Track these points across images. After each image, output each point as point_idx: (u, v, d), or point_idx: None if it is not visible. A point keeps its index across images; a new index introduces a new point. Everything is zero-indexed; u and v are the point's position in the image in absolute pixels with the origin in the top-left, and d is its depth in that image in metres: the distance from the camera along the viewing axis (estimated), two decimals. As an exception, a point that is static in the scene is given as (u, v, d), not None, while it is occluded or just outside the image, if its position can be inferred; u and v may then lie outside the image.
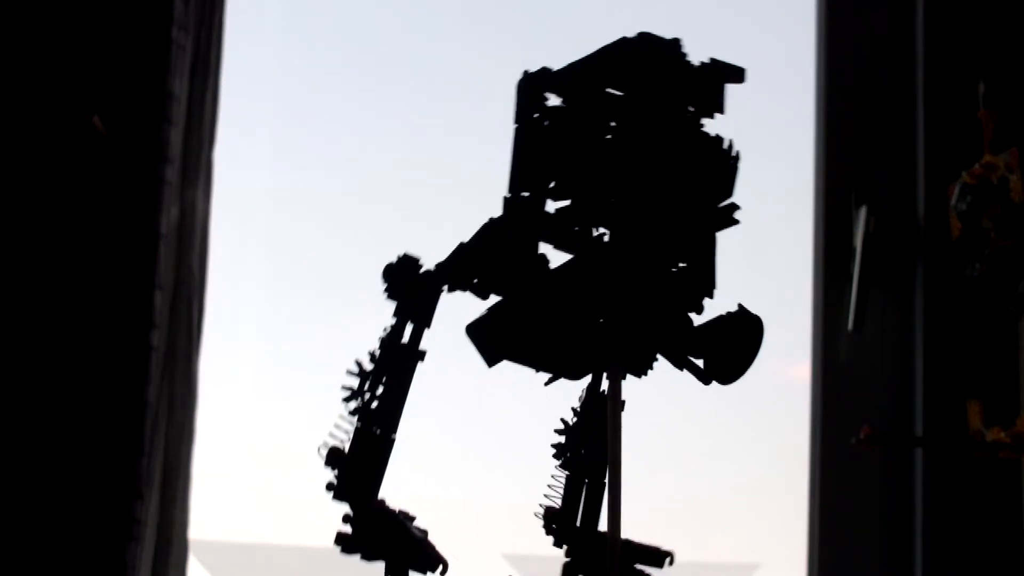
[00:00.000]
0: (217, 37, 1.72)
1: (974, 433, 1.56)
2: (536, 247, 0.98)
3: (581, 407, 1.02)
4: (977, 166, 1.59)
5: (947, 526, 1.68)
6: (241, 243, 1.94)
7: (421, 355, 1.00)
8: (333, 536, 0.99)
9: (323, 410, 1.91)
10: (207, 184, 1.71)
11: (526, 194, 0.98)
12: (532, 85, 0.98)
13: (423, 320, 1.00)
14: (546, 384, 1.01)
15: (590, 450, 1.02)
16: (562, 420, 1.02)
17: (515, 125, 0.99)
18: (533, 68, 0.99)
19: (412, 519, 1.02)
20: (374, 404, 0.99)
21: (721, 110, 0.98)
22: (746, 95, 1.00)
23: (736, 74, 0.98)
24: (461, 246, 0.99)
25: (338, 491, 0.99)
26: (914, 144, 1.79)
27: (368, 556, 1.00)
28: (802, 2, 1.88)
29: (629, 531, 1.05)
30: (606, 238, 0.98)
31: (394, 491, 1.07)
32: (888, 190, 1.78)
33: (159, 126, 1.61)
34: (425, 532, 1.01)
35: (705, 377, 0.98)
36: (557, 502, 1.03)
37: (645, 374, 1.00)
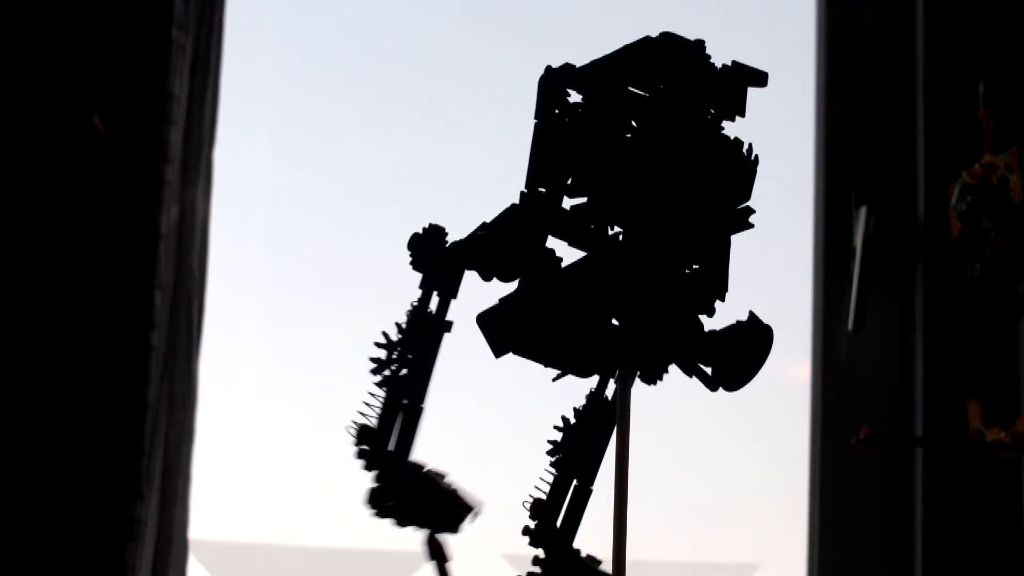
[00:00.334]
0: (217, 37, 1.72)
1: (974, 433, 1.56)
2: (545, 241, 0.98)
3: (584, 408, 1.02)
4: (977, 166, 1.59)
5: (947, 526, 1.68)
6: (241, 243, 1.94)
7: (448, 325, 1.00)
8: (365, 496, 0.99)
9: (323, 410, 1.92)
10: (207, 184, 1.71)
11: (542, 189, 0.98)
12: (554, 80, 0.98)
13: (449, 291, 1.00)
14: (554, 380, 1.01)
15: (584, 453, 1.01)
16: (563, 418, 1.02)
17: (535, 120, 0.99)
18: (555, 64, 0.99)
19: (443, 476, 1.02)
20: (402, 374, 0.99)
21: (743, 113, 0.98)
22: (747, 95, 1.00)
23: (759, 78, 0.98)
24: (484, 225, 0.99)
25: (368, 461, 0.99)
26: (914, 144, 1.79)
27: (402, 520, 0.99)
28: (802, 2, 1.88)
29: (630, 531, 1.05)
30: (621, 237, 0.98)
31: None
32: (888, 190, 1.78)
33: (159, 126, 1.61)
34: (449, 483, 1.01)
35: (713, 384, 0.98)
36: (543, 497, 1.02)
37: (656, 382, 0.99)
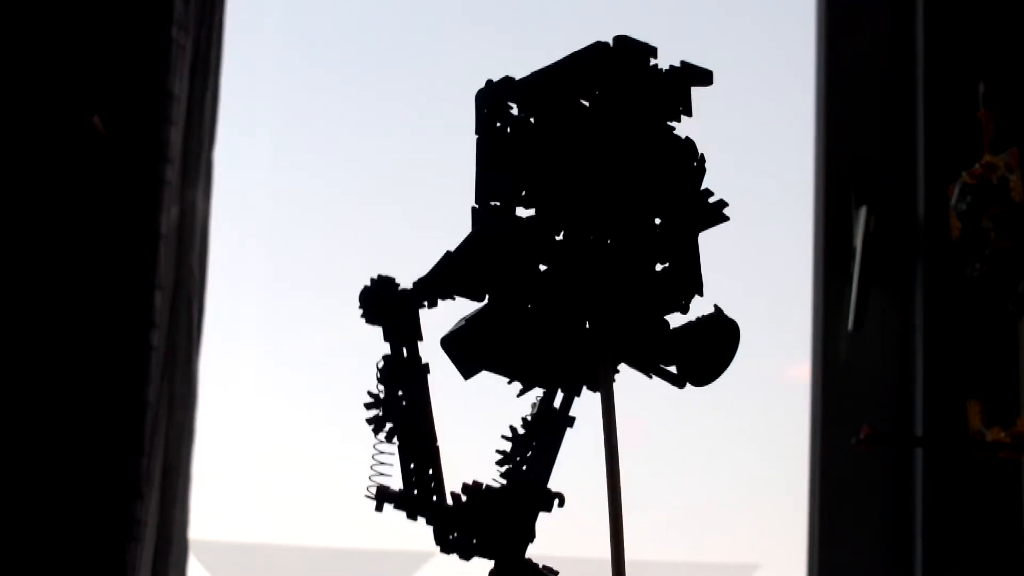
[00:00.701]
0: (217, 37, 1.72)
1: (974, 433, 1.56)
2: (529, 257, 0.97)
3: (533, 418, 1.01)
4: (977, 166, 1.59)
5: (947, 526, 1.68)
6: (241, 243, 1.94)
7: (426, 367, 0.99)
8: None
9: (322, 410, 1.92)
10: (207, 184, 1.71)
11: (495, 203, 0.98)
12: (493, 95, 0.98)
13: (412, 336, 0.99)
14: (519, 395, 1.01)
15: (533, 464, 1.00)
16: (511, 428, 1.01)
17: (476, 135, 0.99)
18: (517, 72, 0.99)
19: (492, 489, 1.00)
20: (403, 423, 0.98)
21: (689, 112, 0.98)
22: (746, 95, 1.00)
23: (703, 77, 0.98)
24: (448, 254, 0.98)
25: (408, 510, 0.98)
26: (914, 144, 1.79)
27: (466, 552, 0.98)
28: (802, 2, 1.88)
29: (630, 531, 1.05)
30: (580, 244, 0.98)
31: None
32: (888, 190, 1.78)
33: (159, 126, 1.61)
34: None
35: (679, 382, 0.98)
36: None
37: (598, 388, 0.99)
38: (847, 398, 1.75)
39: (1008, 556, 1.67)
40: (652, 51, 0.97)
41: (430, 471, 0.98)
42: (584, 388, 1.00)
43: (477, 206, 0.98)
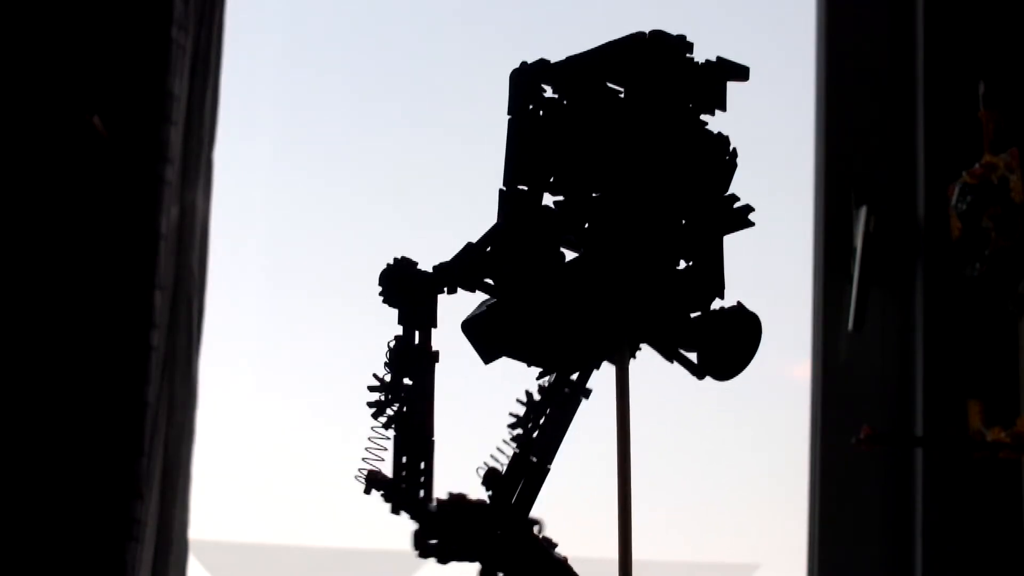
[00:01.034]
0: (217, 37, 1.72)
1: (974, 433, 1.56)
2: (556, 245, 0.97)
3: (549, 386, 1.00)
4: (977, 166, 1.59)
5: (947, 526, 1.68)
6: (241, 243, 1.94)
7: (435, 356, 0.99)
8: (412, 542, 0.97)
9: (323, 410, 1.92)
10: (207, 184, 1.71)
11: (523, 188, 0.98)
12: (528, 76, 0.97)
13: (428, 322, 0.99)
14: (538, 379, 1.00)
15: (545, 431, 1.00)
16: (527, 393, 1.00)
17: (508, 116, 0.98)
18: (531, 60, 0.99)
19: (484, 503, 1.00)
20: (404, 412, 0.98)
21: (723, 107, 0.98)
22: (746, 95, 1.00)
23: (740, 72, 0.98)
24: (470, 245, 0.98)
25: (393, 504, 0.98)
26: (914, 144, 1.79)
27: (444, 557, 0.98)
28: (802, 2, 1.88)
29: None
30: (608, 235, 0.97)
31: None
32: (888, 190, 1.78)
33: (159, 126, 1.61)
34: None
35: (699, 372, 0.98)
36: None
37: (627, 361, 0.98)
38: (847, 398, 1.75)
39: (1008, 556, 1.66)
40: (689, 46, 0.97)
41: (422, 465, 0.98)
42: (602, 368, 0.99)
43: (505, 189, 0.98)
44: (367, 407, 0.98)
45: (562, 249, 0.98)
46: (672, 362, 0.98)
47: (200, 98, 1.70)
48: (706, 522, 1.91)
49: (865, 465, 1.73)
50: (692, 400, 1.79)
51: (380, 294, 0.99)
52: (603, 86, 0.97)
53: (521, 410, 0.99)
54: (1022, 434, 1.53)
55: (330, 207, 2.00)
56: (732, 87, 1.00)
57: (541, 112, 0.97)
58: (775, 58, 1.93)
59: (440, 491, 0.98)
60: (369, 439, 0.98)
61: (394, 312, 1.00)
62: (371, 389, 0.98)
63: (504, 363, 1.01)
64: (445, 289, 0.99)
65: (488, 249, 0.97)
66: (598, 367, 1.00)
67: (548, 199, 1.00)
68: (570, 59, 0.97)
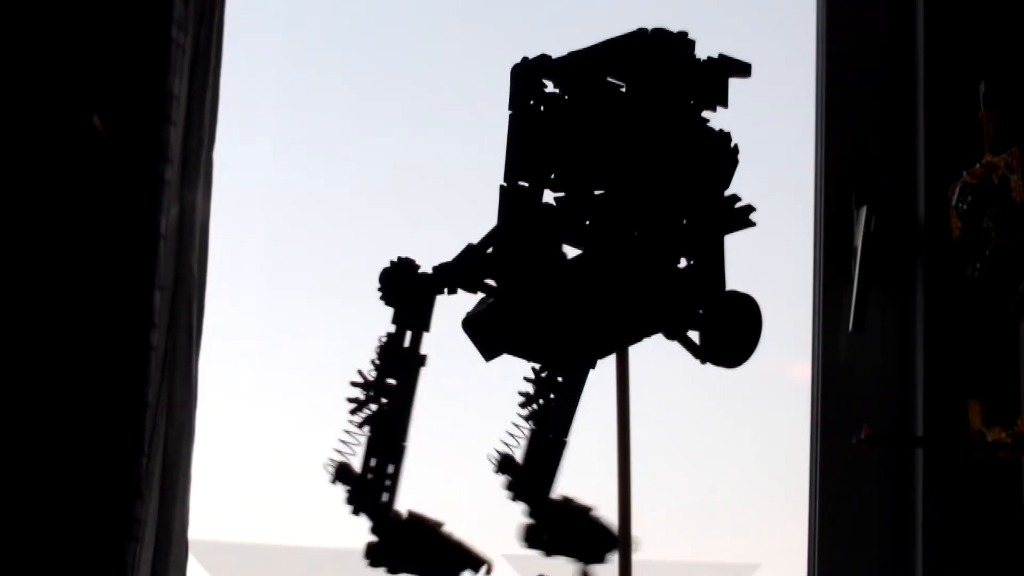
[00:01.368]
0: (217, 37, 1.72)
1: (974, 433, 1.56)
2: (558, 244, 0.97)
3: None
4: (978, 166, 1.59)
5: (947, 526, 1.68)
6: (241, 243, 1.94)
7: (423, 360, 0.99)
8: (363, 549, 0.98)
9: (323, 410, 1.92)
10: (207, 184, 1.71)
11: (524, 184, 0.98)
12: (530, 71, 0.97)
13: (422, 324, 0.99)
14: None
15: (557, 404, 0.99)
16: (533, 369, 1.00)
17: (510, 111, 0.98)
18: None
19: (440, 524, 1.00)
20: (382, 413, 0.98)
21: (724, 103, 0.98)
22: (747, 95, 1.00)
23: (742, 68, 0.98)
24: (471, 246, 0.98)
25: (354, 504, 0.98)
26: (914, 144, 1.78)
27: (394, 568, 0.98)
28: (802, 2, 1.88)
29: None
30: (611, 233, 0.97)
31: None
32: (888, 190, 1.78)
33: (159, 126, 1.61)
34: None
35: (702, 355, 0.98)
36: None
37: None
38: (847, 398, 1.75)
39: (1008, 556, 1.66)
40: (691, 44, 0.97)
41: (389, 469, 0.98)
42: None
43: (505, 184, 0.98)
44: (347, 402, 0.98)
45: (564, 246, 0.98)
46: (673, 339, 0.98)
47: (200, 98, 1.69)
48: (706, 522, 1.91)
49: (865, 465, 1.72)
50: (692, 400, 1.79)
51: (380, 294, 0.99)
52: (604, 82, 0.97)
53: (530, 388, 0.99)
54: (1022, 434, 1.53)
55: (330, 207, 2.00)
56: (733, 87, 1.00)
57: (542, 108, 0.97)
58: (775, 58, 1.93)
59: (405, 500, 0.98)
60: (345, 431, 0.98)
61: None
62: (353, 385, 0.98)
63: (504, 360, 1.01)
64: (445, 290, 0.99)
65: (489, 250, 0.97)
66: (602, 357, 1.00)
67: (549, 196, 1.00)
68: (572, 55, 0.97)
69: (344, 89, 2.03)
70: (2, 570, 1.53)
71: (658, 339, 1.00)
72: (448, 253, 1.00)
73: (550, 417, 0.99)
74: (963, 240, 1.60)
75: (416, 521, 0.98)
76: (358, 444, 0.99)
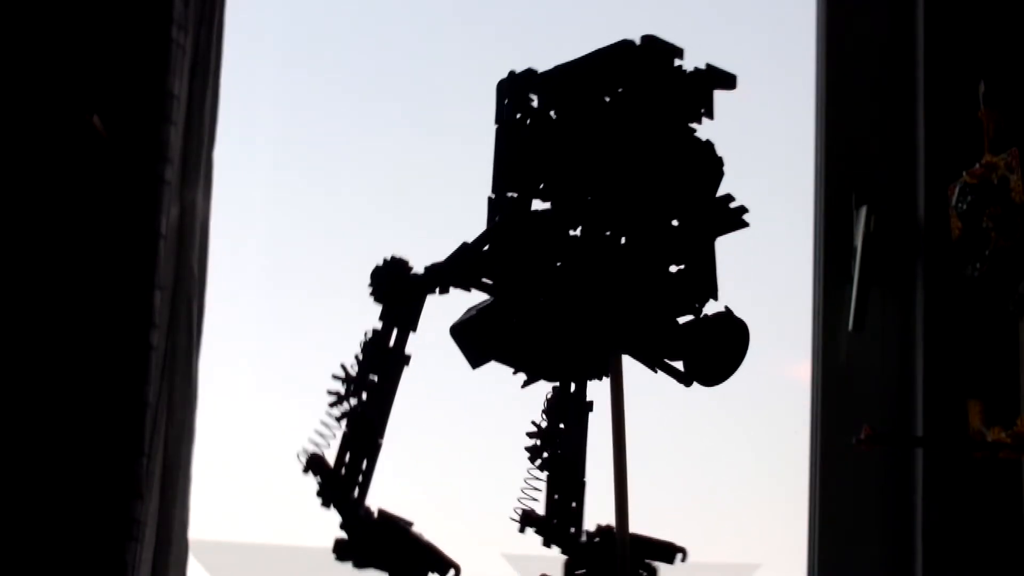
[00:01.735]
0: (217, 37, 1.72)
1: (974, 433, 1.56)
2: (549, 251, 0.98)
3: (549, 409, 1.02)
4: (977, 166, 1.59)
5: (947, 526, 1.68)
6: (241, 243, 1.94)
7: (407, 359, 0.99)
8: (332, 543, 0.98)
9: (323, 410, 1.91)
10: (207, 184, 1.71)
11: (512, 194, 0.98)
12: (516, 85, 0.98)
13: (409, 323, 0.99)
14: (523, 386, 1.01)
15: (565, 450, 1.01)
16: (533, 423, 1.02)
17: (496, 124, 0.99)
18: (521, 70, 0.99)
19: (410, 524, 1.01)
20: (361, 409, 0.98)
21: (710, 115, 0.98)
22: (747, 95, 1.00)
23: (727, 81, 0.98)
24: (465, 245, 0.98)
25: (324, 497, 0.98)
26: (914, 144, 1.79)
27: (360, 563, 0.99)
28: (802, 2, 1.88)
29: (630, 531, 1.05)
30: (597, 241, 0.97)
31: (395, 491, 1.07)
32: (888, 190, 1.78)
33: (159, 126, 1.61)
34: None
35: (686, 379, 0.98)
36: (532, 504, 1.03)
37: (602, 378, 0.99)
38: (847, 398, 1.75)
39: (1008, 556, 1.66)
40: (678, 52, 0.97)
41: (363, 465, 0.98)
42: (590, 380, 1.00)
43: (494, 196, 0.98)
44: (327, 393, 0.98)
45: (553, 255, 0.98)
46: (656, 372, 0.99)
47: (200, 98, 1.69)
48: (706, 522, 1.90)
49: (865, 465, 1.72)
50: (692, 400, 1.79)
51: (371, 291, 0.99)
52: (590, 94, 0.97)
53: (535, 441, 1.00)
54: (1022, 434, 1.53)
55: (330, 207, 2.00)
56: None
57: (528, 121, 0.98)
58: (775, 58, 1.93)
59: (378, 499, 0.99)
60: (322, 423, 0.98)
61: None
62: (335, 378, 0.98)
63: (491, 368, 1.01)
64: (437, 289, 0.99)
65: (485, 249, 0.98)
66: (589, 379, 1.00)
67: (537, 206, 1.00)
68: (557, 69, 0.97)
69: (344, 89, 2.03)
70: (2, 570, 1.53)
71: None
72: (446, 254, 1.00)
73: (563, 462, 1.01)
74: (963, 240, 1.60)
75: (387, 520, 0.98)
76: (333, 437, 1.00)
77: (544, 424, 1.01)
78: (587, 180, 0.96)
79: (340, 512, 0.98)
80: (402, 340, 0.99)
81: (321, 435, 0.99)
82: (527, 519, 1.00)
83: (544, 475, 1.02)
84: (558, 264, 0.98)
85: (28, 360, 1.56)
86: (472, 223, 1.01)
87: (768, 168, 1.87)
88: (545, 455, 1.02)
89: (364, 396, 0.98)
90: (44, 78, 1.60)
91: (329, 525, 1.01)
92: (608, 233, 0.96)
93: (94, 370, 1.56)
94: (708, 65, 0.98)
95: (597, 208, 0.96)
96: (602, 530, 1.02)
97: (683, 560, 1.03)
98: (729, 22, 1.97)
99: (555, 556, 1.07)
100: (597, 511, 1.05)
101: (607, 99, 0.97)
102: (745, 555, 1.98)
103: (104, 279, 1.57)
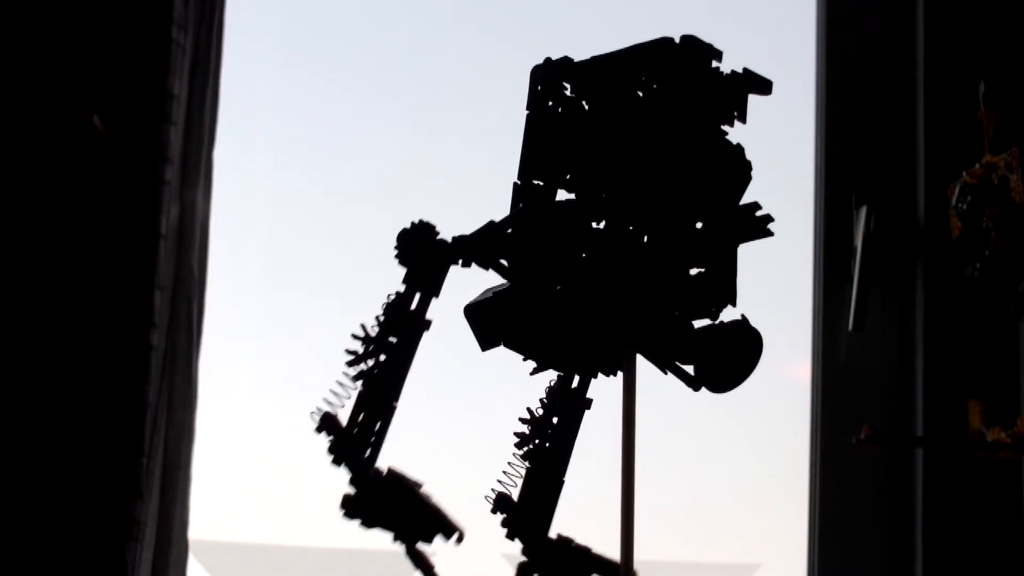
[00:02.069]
0: (217, 37, 1.72)
1: (974, 433, 1.56)
2: (574, 241, 0.97)
3: (551, 400, 1.01)
4: (977, 166, 1.59)
5: (947, 526, 1.68)
6: (241, 243, 1.94)
7: (427, 324, 0.99)
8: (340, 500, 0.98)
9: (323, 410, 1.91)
10: (207, 184, 1.71)
11: (538, 182, 0.98)
12: (551, 73, 0.97)
13: (432, 289, 0.99)
14: (532, 373, 1.01)
15: (552, 446, 1.00)
16: (528, 410, 1.01)
17: (527, 111, 0.98)
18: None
19: (419, 485, 1.01)
20: (377, 370, 0.98)
21: (743, 118, 0.98)
22: (747, 101, 1.00)
23: (763, 86, 0.98)
24: (492, 223, 0.98)
25: (335, 455, 0.99)
26: (914, 144, 1.79)
27: (367, 523, 0.99)
28: (802, 2, 1.88)
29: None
30: (619, 235, 0.97)
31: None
32: (888, 190, 1.78)
33: (159, 126, 1.61)
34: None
35: (694, 383, 0.98)
36: (510, 490, 1.01)
37: (614, 374, 0.99)
38: (847, 398, 1.75)
39: (1008, 556, 1.66)
40: (717, 54, 0.97)
41: (376, 427, 0.98)
42: (599, 374, 1.00)
43: (519, 182, 0.98)
44: (344, 352, 0.98)
45: (574, 246, 0.98)
46: (666, 373, 0.99)
47: (200, 98, 1.69)
48: (706, 522, 1.90)
49: (865, 465, 1.73)
50: (692, 400, 1.79)
51: (396, 253, 0.99)
52: (625, 88, 0.97)
53: (525, 428, 0.99)
54: (1022, 434, 1.53)
55: (330, 207, 2.00)
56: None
57: (560, 109, 0.97)
58: (775, 59, 1.93)
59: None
60: (338, 382, 0.98)
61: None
62: (354, 337, 0.98)
63: (499, 353, 1.01)
64: (460, 261, 1.00)
65: (509, 231, 0.98)
66: (595, 375, 1.00)
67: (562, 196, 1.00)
68: (594, 59, 0.97)
69: (344, 89, 2.03)
70: (2, 570, 1.53)
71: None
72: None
73: (547, 457, 1.00)
74: (963, 240, 1.60)
75: (396, 479, 0.98)
76: (348, 398, 1.00)
77: (539, 413, 1.00)
78: (614, 174, 0.96)
79: (350, 470, 0.99)
80: (424, 305, 0.99)
81: (336, 395, 0.99)
82: (501, 503, 0.99)
83: (526, 465, 1.01)
84: (578, 255, 0.98)
85: (28, 360, 1.56)
86: (474, 222, 1.01)
87: (768, 168, 1.86)
88: (532, 445, 1.01)
89: (382, 357, 0.98)
90: (44, 78, 1.60)
91: (328, 525, 1.01)
92: (631, 229, 0.96)
93: (94, 370, 1.56)
94: (745, 69, 0.98)
95: (621, 203, 0.96)
96: (562, 539, 1.01)
97: None
98: (729, 22, 1.97)
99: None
100: (597, 511, 1.05)
101: (640, 94, 0.97)
102: (745, 555, 1.99)
103: (104, 279, 1.57)
